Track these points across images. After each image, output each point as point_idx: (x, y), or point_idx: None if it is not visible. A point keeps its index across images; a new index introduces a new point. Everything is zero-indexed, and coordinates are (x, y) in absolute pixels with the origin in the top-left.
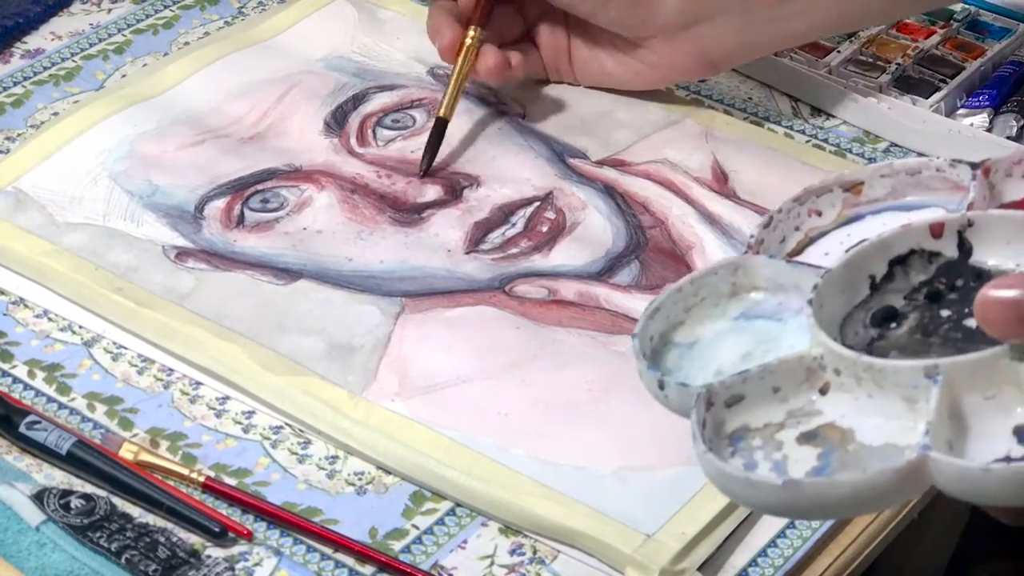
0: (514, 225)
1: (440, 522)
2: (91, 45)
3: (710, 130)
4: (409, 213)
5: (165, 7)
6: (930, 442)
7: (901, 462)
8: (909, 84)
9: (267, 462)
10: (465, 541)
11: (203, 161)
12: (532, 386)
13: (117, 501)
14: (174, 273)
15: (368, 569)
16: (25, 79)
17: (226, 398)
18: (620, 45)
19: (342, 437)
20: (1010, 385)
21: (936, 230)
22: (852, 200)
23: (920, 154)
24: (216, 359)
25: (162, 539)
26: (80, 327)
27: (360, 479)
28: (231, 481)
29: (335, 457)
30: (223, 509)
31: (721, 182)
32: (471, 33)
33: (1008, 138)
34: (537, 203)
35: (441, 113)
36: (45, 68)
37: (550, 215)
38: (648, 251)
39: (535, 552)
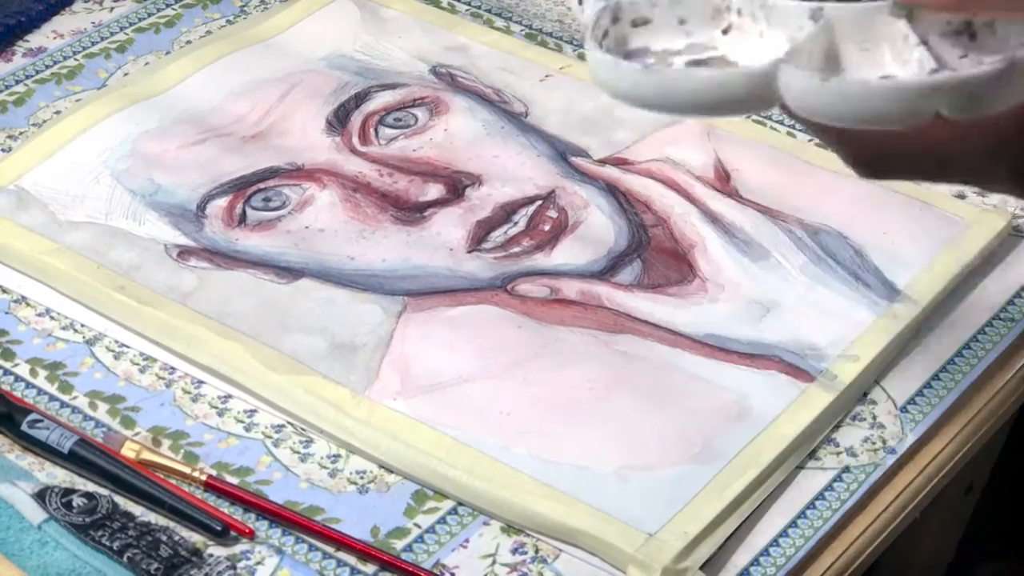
0: (516, 224)
1: (442, 521)
2: (93, 44)
3: (712, 129)
4: (411, 212)
5: (167, 6)
6: (787, 58)
7: (754, 68)
8: None
9: (269, 461)
10: (467, 540)
11: (205, 160)
12: (534, 385)
13: (119, 500)
14: (176, 272)
15: (370, 568)
16: (27, 77)
17: (228, 397)
18: None
19: (344, 436)
20: (884, 40)
21: None
22: None
23: None
24: (218, 358)
25: (164, 538)
26: (82, 326)
27: (362, 478)
28: (233, 480)
29: (337, 456)
30: (225, 508)
31: (723, 181)
32: None
33: None
34: (539, 202)
35: None
36: (47, 66)
37: (552, 214)
38: (650, 250)
39: (537, 551)
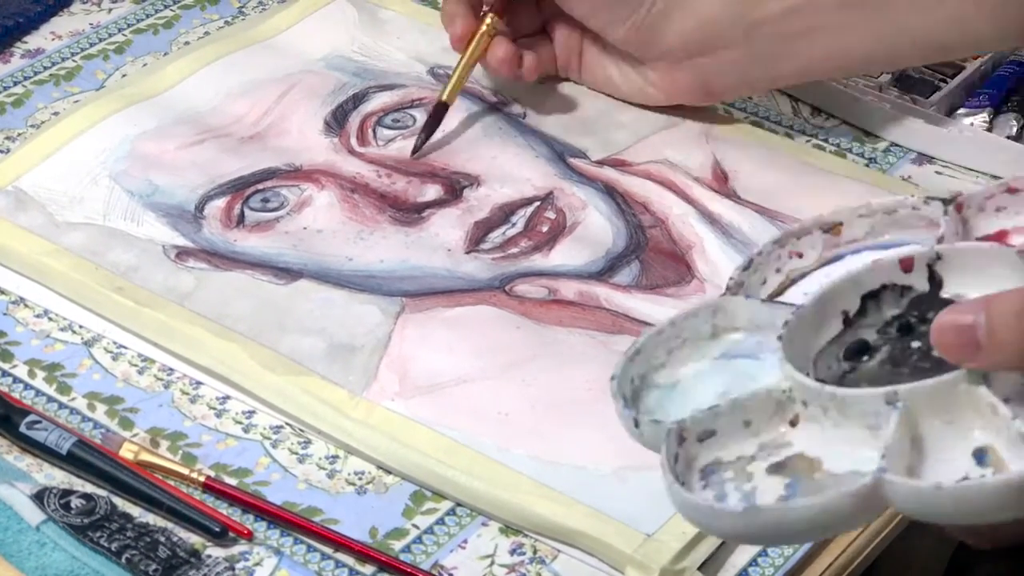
0: (514, 225)
1: (440, 522)
2: (91, 45)
3: (710, 130)
4: (409, 212)
5: (165, 7)
6: (886, 465)
7: (856, 486)
8: (909, 84)
9: (267, 462)
10: (465, 541)
11: (203, 160)
12: (532, 386)
13: (117, 501)
14: (174, 273)
15: (368, 569)
16: (25, 79)
17: (226, 398)
18: (627, 59)
19: (342, 437)
20: (968, 409)
21: (906, 264)
22: (832, 241)
23: (921, 154)
24: (216, 359)
25: (162, 539)
26: (80, 327)
27: (360, 479)
28: (231, 481)
29: (335, 457)
30: (223, 509)
31: (721, 182)
32: (487, 21)
33: (1008, 137)
34: (537, 203)
35: (444, 97)
36: (45, 68)
37: (550, 215)
38: (648, 251)
39: (535, 552)
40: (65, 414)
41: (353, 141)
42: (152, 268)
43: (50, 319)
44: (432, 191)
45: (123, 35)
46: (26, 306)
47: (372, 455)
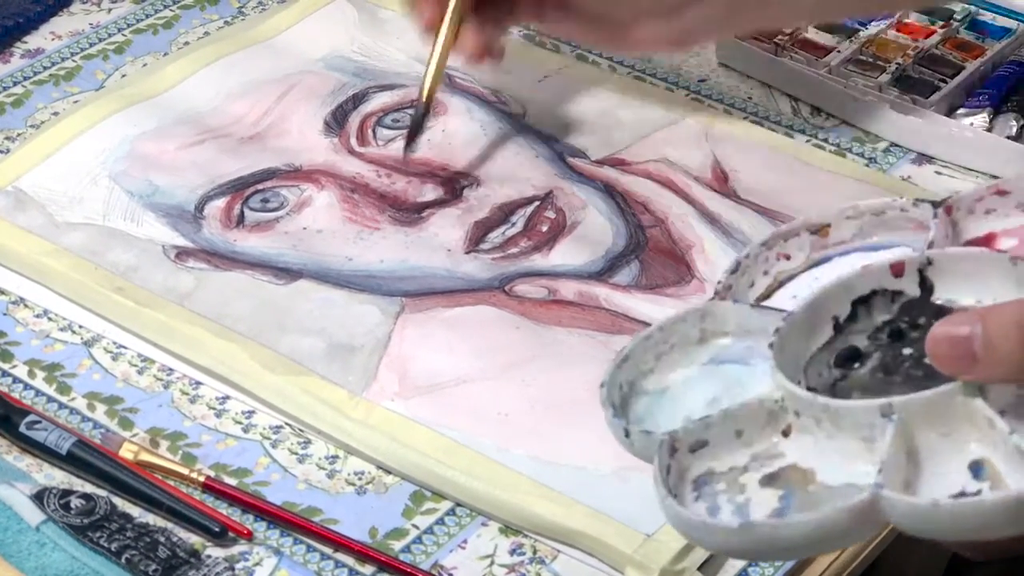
0: (514, 224)
1: (440, 522)
2: (91, 45)
3: (710, 129)
4: (409, 212)
5: (165, 7)
6: (883, 480)
7: (853, 502)
8: (909, 84)
9: (267, 462)
10: (465, 541)
11: (203, 161)
12: (532, 386)
13: (117, 501)
14: (174, 273)
15: (368, 569)
16: (25, 79)
17: (226, 398)
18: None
19: (342, 437)
20: (964, 422)
21: (897, 269)
22: (820, 243)
23: (920, 154)
24: (216, 359)
25: (162, 539)
26: (80, 327)
27: (360, 479)
28: (231, 481)
29: (335, 457)
30: (223, 509)
31: (721, 181)
32: (451, 4)
33: (1008, 137)
34: (537, 202)
35: (423, 96)
36: (45, 68)
37: (550, 214)
38: (648, 251)
39: (535, 552)
40: (65, 414)
41: (353, 141)
42: (152, 268)
43: (50, 319)
44: (432, 191)
45: (123, 35)
46: (26, 306)
47: (372, 455)
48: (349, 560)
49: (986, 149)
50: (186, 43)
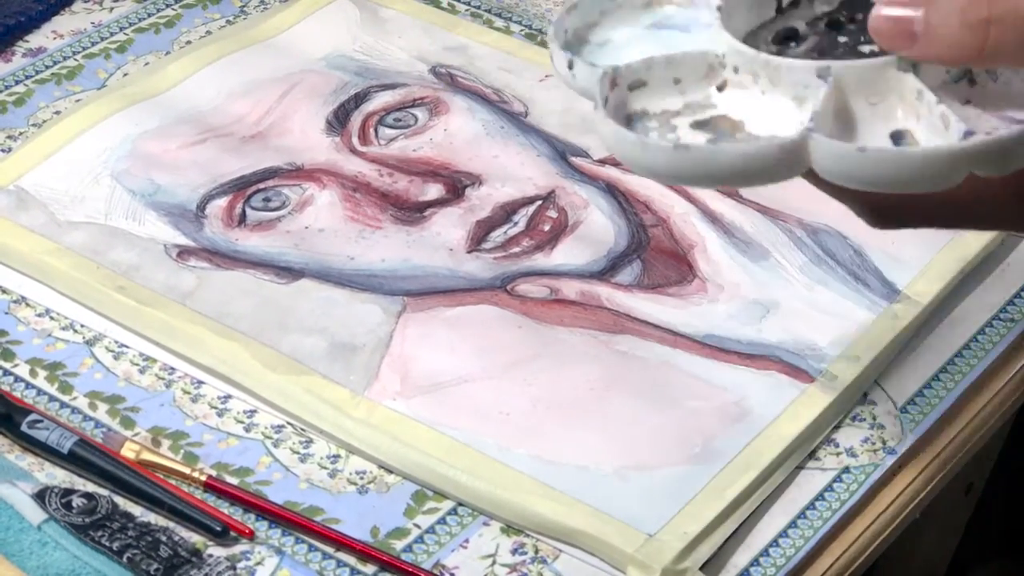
0: (516, 224)
1: (442, 521)
2: (93, 44)
3: None
4: (411, 212)
5: (167, 6)
6: (813, 125)
7: (785, 138)
8: None
9: (269, 461)
10: (467, 540)
11: (205, 160)
12: (534, 385)
13: (119, 500)
14: (176, 272)
15: (370, 568)
16: (27, 78)
17: (228, 397)
18: None
19: (344, 436)
20: (893, 93)
21: None
22: None
23: None
24: (218, 358)
25: (164, 538)
26: (82, 326)
27: (362, 478)
28: (233, 480)
29: (337, 456)
30: (225, 508)
31: None
32: None
33: None
34: (539, 202)
35: None
36: (47, 67)
37: (552, 214)
38: (650, 250)
39: (537, 551)
40: (66, 413)
41: (355, 140)
42: (154, 267)
43: (51, 318)
44: (434, 190)
45: (125, 34)
46: (28, 305)
47: (373, 455)
48: (351, 560)
49: None
50: (188, 42)
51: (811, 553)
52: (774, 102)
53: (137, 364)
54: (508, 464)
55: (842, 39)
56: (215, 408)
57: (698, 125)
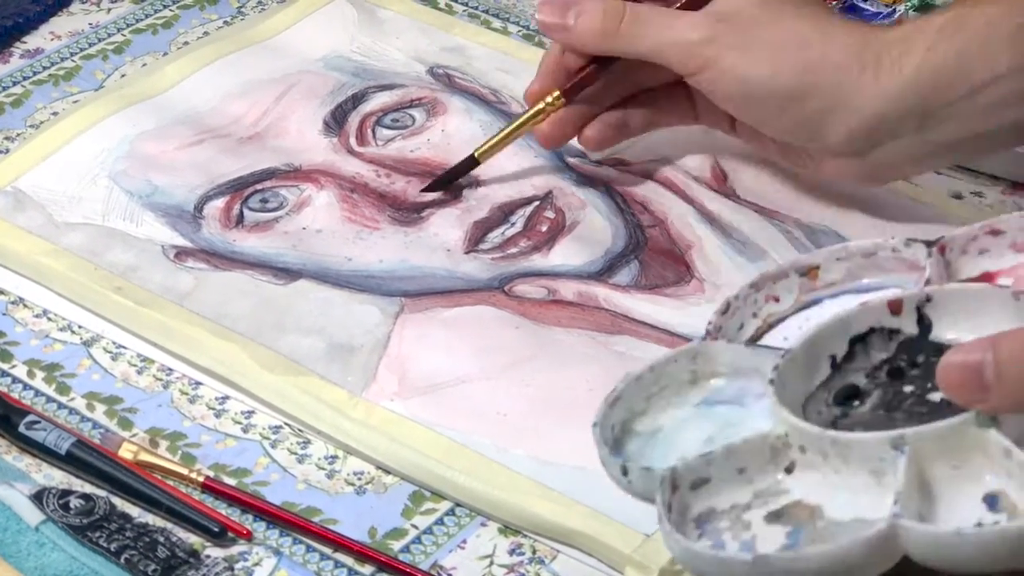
0: (513, 224)
1: (439, 522)
2: (90, 45)
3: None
4: (409, 212)
5: (164, 7)
6: (900, 510)
7: (871, 532)
8: None
9: (266, 462)
10: (464, 541)
11: (202, 161)
12: (531, 386)
13: (116, 501)
14: (173, 273)
15: (367, 569)
16: (24, 79)
17: (225, 398)
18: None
19: (341, 437)
20: (977, 453)
21: (895, 307)
22: (809, 285)
23: None
24: (215, 359)
25: (161, 539)
26: (79, 327)
27: (359, 479)
28: (230, 481)
29: (334, 457)
30: (222, 509)
31: (720, 181)
32: (549, 98)
33: None
34: (536, 202)
35: (477, 154)
36: (44, 68)
37: (549, 214)
38: (647, 251)
39: (534, 552)
40: (64, 414)
41: (352, 141)
42: (151, 268)
43: (49, 319)
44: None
45: (122, 35)
46: (25, 306)
47: (371, 455)
48: (348, 560)
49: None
50: (185, 43)
51: None
52: (850, 480)
53: (135, 365)
54: (506, 465)
55: (907, 388)
56: (213, 409)
57: (773, 517)
